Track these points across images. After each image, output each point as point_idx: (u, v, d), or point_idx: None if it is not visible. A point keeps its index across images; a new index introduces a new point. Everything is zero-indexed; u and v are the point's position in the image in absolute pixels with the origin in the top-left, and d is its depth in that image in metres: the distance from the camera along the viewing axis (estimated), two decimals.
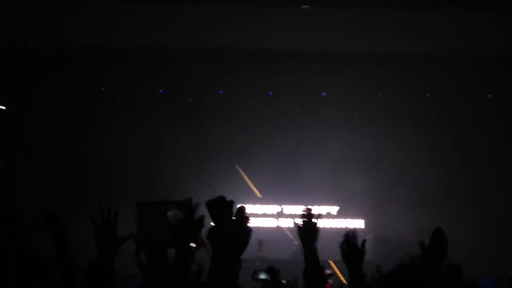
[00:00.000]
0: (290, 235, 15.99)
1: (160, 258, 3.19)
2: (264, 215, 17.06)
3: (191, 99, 16.44)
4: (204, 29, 13.82)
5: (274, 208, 17.10)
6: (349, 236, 3.97)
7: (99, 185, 15.16)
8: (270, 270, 4.75)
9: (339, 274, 11.63)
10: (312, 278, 3.65)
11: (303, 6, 13.10)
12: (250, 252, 12.76)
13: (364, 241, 3.80)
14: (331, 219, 16.92)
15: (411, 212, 15.50)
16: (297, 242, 4.70)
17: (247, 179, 16.26)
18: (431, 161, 16.06)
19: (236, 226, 2.47)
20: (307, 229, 3.77)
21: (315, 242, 3.83)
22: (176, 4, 13.48)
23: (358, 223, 16.88)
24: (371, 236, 15.80)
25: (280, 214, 17.08)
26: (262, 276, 4.64)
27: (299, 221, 3.80)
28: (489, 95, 16.20)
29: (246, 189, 16.42)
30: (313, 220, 3.76)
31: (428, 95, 16.40)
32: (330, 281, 7.14)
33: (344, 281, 10.77)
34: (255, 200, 16.86)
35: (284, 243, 16.06)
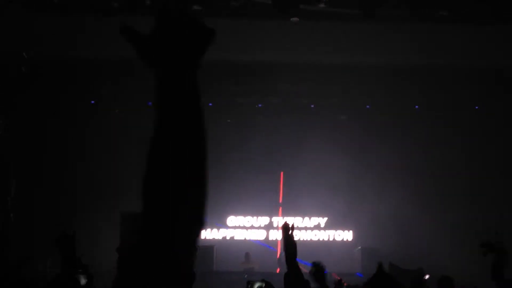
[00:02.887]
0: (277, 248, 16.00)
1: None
2: (252, 227, 17.05)
3: None
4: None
5: (263, 220, 17.10)
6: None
7: (86, 196, 15.18)
8: (265, 281, 4.76)
9: None
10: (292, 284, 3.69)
11: (292, 19, 13.15)
12: (237, 264, 12.75)
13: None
14: (321, 230, 16.96)
15: (398, 223, 15.57)
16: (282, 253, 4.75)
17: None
18: (421, 171, 16.15)
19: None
20: (287, 243, 3.81)
21: (295, 255, 3.88)
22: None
23: (346, 235, 16.92)
24: (359, 248, 15.85)
25: (269, 226, 17.08)
26: (257, 285, 4.65)
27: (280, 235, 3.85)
28: (476, 107, 16.33)
29: (234, 200, 16.43)
30: (290, 233, 3.82)
31: (416, 107, 16.51)
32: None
33: None
34: (244, 212, 16.87)
35: (272, 255, 16.08)
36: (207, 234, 16.62)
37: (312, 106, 16.51)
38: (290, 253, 3.77)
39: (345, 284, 8.69)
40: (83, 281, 4.43)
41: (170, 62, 1.19)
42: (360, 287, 7.57)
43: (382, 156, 16.11)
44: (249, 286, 4.70)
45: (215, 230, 16.74)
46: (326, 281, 4.36)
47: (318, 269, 4.33)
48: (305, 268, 4.61)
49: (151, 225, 1.18)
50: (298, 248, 4.06)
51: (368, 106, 16.53)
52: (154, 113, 1.25)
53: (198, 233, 1.21)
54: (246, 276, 12.93)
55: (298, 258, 4.36)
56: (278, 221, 16.95)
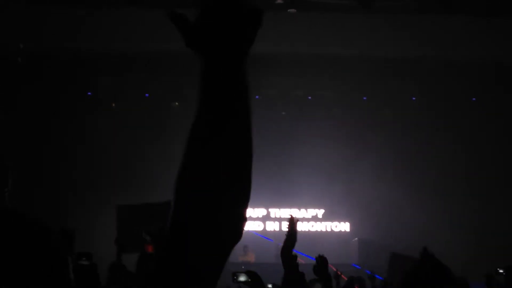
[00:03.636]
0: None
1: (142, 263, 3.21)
2: (250, 219, 17.06)
3: (177, 103, 16.43)
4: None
5: (260, 212, 17.12)
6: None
7: (86, 190, 15.16)
8: (249, 272, 4.76)
9: None
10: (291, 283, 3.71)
11: (289, 10, 13.15)
12: (235, 256, 12.75)
13: None
14: (317, 222, 17.00)
15: (396, 214, 15.62)
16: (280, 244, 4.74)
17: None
18: (416, 163, 16.19)
19: None
20: (290, 236, 3.84)
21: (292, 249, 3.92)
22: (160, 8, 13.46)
23: (343, 226, 16.96)
24: (356, 239, 15.90)
25: (266, 218, 17.10)
26: (242, 278, 4.64)
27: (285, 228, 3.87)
28: (473, 99, 16.36)
29: None
30: (295, 226, 3.85)
31: (413, 98, 16.52)
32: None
33: None
34: None
35: (269, 246, 16.10)
36: None
37: (309, 97, 16.51)
38: (288, 245, 3.80)
39: (340, 274, 8.70)
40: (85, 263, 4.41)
41: (217, 50, 1.11)
42: (360, 278, 7.60)
43: (379, 148, 16.14)
44: (234, 278, 4.70)
45: None
46: (329, 274, 4.38)
47: (321, 262, 4.35)
48: (301, 259, 4.63)
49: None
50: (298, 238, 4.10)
51: (364, 98, 16.53)
52: (197, 104, 1.19)
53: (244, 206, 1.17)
54: (243, 267, 12.95)
55: (295, 249, 4.37)
56: (275, 212, 16.98)
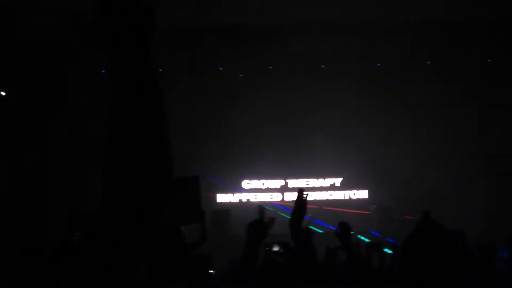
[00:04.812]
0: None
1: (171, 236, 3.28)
2: (268, 190, 17.16)
3: (188, 78, 16.40)
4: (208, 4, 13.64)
5: (278, 183, 17.20)
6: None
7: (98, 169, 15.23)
8: (282, 243, 4.86)
9: None
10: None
11: None
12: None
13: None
14: (336, 191, 17.07)
15: (414, 180, 15.62)
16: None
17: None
18: (434, 129, 16.14)
19: None
20: (298, 207, 3.88)
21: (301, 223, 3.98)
22: None
23: (362, 194, 17.01)
24: (375, 206, 15.96)
25: (285, 188, 17.19)
26: (275, 248, 4.75)
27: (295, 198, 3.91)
28: (489, 60, 16.18)
29: (248, 164, 16.53)
30: (303, 198, 3.89)
31: (428, 62, 16.36)
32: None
33: None
34: (259, 176, 16.98)
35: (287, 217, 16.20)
36: (223, 198, 16.78)
37: (323, 66, 16.43)
38: (295, 217, 3.85)
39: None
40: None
41: (118, 40, 1.27)
42: (378, 244, 7.65)
43: (395, 114, 16.09)
44: (267, 248, 4.79)
45: (230, 194, 16.89)
46: (351, 241, 4.43)
47: (344, 229, 4.39)
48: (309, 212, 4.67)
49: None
50: (316, 207, 4.15)
51: (378, 65, 16.41)
52: (111, 92, 1.33)
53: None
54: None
55: (316, 219, 4.43)
56: (294, 183, 17.05)
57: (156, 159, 1.31)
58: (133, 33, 1.29)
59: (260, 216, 3.15)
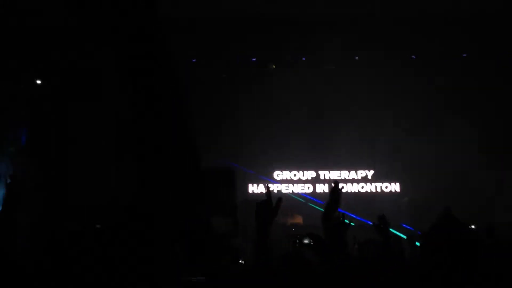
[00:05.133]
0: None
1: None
2: (300, 181, 17.17)
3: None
4: None
5: (309, 174, 17.19)
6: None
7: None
8: (312, 235, 4.86)
9: None
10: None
11: None
12: (284, 218, 12.79)
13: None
14: (367, 183, 17.00)
15: (447, 175, 15.47)
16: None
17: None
18: (464, 123, 15.92)
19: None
20: (333, 200, 3.87)
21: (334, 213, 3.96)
22: None
23: (393, 187, 16.91)
24: (406, 199, 15.86)
25: (316, 180, 17.17)
26: (306, 240, 4.77)
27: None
28: None
29: (280, 155, 16.55)
30: (338, 192, 3.87)
31: (464, 55, 16.12)
32: None
33: None
34: (291, 167, 16.99)
35: (317, 208, 16.20)
36: (254, 188, 16.84)
37: (356, 58, 16.30)
38: (328, 211, 3.84)
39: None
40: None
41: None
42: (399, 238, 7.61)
43: (428, 106, 15.93)
44: (297, 241, 4.81)
45: (261, 184, 16.93)
46: (389, 234, 4.41)
47: (383, 222, 4.37)
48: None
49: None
50: (346, 199, 4.14)
51: (413, 57, 16.22)
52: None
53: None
54: (293, 230, 13.08)
55: (345, 210, 4.42)
56: (325, 174, 17.02)
57: (186, 152, 1.31)
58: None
59: (267, 196, 3.21)
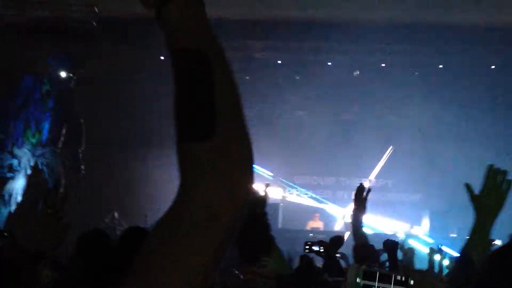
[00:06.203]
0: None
1: None
2: (320, 187, 17.07)
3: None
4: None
5: (329, 180, 17.09)
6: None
7: (154, 148, 15.37)
8: (322, 242, 4.80)
9: None
10: (361, 255, 3.69)
11: None
12: (303, 223, 12.73)
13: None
14: (388, 192, 16.84)
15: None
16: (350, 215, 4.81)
17: None
18: (485, 133, 15.67)
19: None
20: (357, 204, 3.82)
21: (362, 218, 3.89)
22: None
23: (413, 197, 16.73)
24: (427, 210, 15.67)
25: (336, 187, 17.06)
26: (315, 248, 4.70)
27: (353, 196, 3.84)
28: None
29: (300, 159, 16.47)
30: (363, 195, 3.81)
31: (493, 67, 15.86)
32: None
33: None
34: (311, 172, 16.90)
35: (336, 215, 16.10)
36: (274, 192, 16.75)
37: (383, 65, 16.10)
38: (357, 215, 3.78)
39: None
40: None
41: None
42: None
43: (450, 116, 15.69)
44: (306, 248, 4.74)
45: (281, 188, 16.85)
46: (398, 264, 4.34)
47: (390, 249, 4.31)
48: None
49: None
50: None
51: (441, 66, 16.00)
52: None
53: None
54: (311, 235, 12.98)
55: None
56: (345, 181, 16.90)
57: None
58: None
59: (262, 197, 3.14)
